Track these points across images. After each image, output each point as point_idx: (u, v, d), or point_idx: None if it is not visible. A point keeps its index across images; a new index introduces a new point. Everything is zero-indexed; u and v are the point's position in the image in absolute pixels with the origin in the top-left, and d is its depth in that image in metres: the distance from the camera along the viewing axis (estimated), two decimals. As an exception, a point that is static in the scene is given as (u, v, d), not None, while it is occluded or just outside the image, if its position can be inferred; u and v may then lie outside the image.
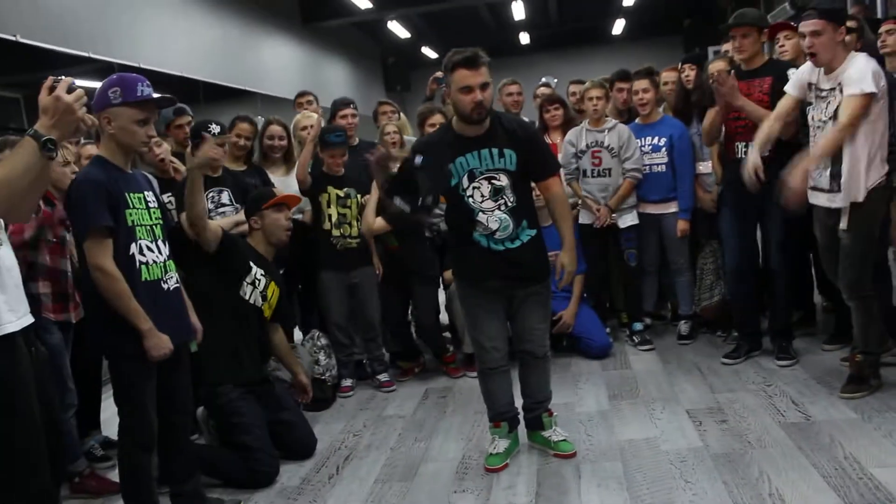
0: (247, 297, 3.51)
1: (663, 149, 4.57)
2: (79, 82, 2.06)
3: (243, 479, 3.28)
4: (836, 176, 3.40)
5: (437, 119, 4.64)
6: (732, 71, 3.91)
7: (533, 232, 3.09)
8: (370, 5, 11.23)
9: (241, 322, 3.51)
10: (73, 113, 2.00)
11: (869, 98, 3.26)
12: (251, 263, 3.54)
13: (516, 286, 3.14)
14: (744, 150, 3.97)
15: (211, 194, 3.79)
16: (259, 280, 3.54)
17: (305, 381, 3.81)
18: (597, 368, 4.41)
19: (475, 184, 3.00)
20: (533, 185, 3.19)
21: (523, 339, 3.26)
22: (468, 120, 2.95)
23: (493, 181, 3.00)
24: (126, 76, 2.67)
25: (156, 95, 2.67)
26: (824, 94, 3.43)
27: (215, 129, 3.76)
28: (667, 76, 5.03)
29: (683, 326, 4.76)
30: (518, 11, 13.21)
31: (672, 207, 4.62)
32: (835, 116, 3.36)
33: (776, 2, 10.03)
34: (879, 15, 7.80)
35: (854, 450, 2.97)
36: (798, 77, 3.57)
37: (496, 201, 3.00)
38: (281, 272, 3.95)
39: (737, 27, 3.93)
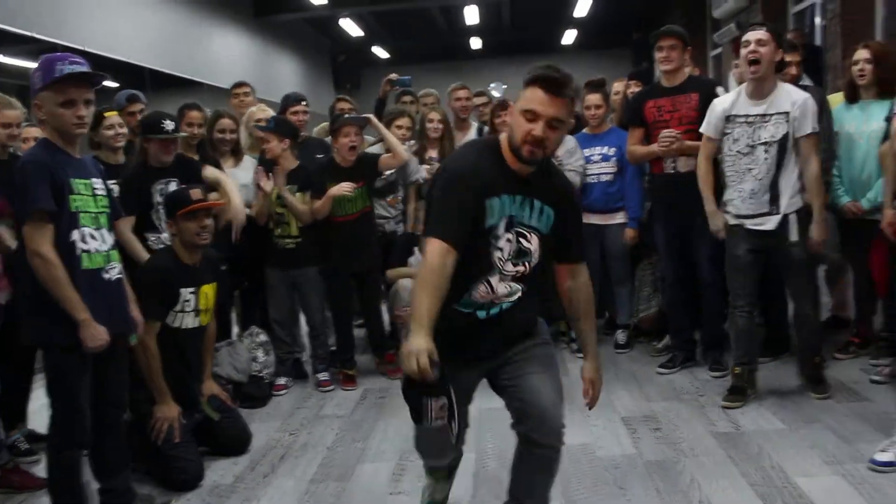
0: (178, 325, 3.36)
1: (613, 158, 4.64)
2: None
3: (165, 481, 3.21)
4: (775, 199, 3.56)
5: (405, 122, 4.63)
6: (679, 137, 4.00)
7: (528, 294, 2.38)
8: (324, 1, 11.16)
9: (179, 348, 3.38)
10: None
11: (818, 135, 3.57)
12: (179, 289, 3.34)
13: (502, 351, 2.39)
14: (673, 165, 4.09)
15: (159, 186, 3.71)
16: (189, 301, 3.38)
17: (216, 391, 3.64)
18: (536, 374, 4.44)
19: (509, 235, 2.27)
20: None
21: (526, 419, 2.30)
22: (516, 154, 2.22)
23: (520, 240, 2.29)
24: (49, 56, 2.56)
25: (78, 71, 2.53)
26: (752, 119, 3.56)
27: (169, 125, 3.67)
28: (617, 86, 5.16)
29: (621, 335, 4.84)
30: (471, 16, 13.28)
31: (616, 218, 4.69)
32: (783, 141, 3.50)
33: (723, 22, 10.28)
34: (818, 42, 8.07)
35: (780, 459, 3.06)
36: (712, 117, 3.70)
37: (515, 265, 2.30)
38: (224, 268, 3.87)
39: (666, 36, 4.03)
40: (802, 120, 3.48)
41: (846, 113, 3.99)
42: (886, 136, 3.57)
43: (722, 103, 3.66)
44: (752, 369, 3.80)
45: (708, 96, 3.98)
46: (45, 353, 2.69)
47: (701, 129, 3.78)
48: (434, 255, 2.10)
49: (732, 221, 3.69)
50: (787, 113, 3.50)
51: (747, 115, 3.56)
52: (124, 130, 3.80)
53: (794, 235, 3.57)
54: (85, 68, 2.58)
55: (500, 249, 2.26)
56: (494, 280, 2.27)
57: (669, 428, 3.50)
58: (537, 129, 2.14)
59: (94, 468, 2.88)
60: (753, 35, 3.49)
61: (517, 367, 2.34)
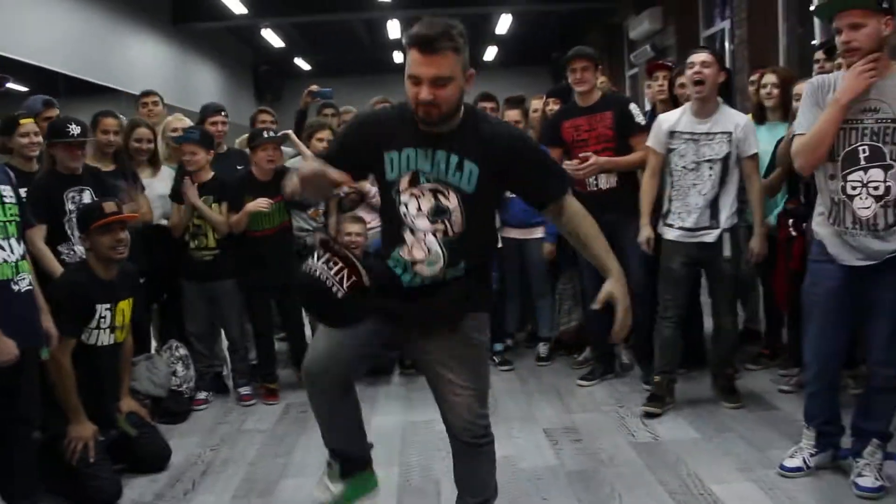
0: (93, 342, 3.25)
1: (530, 174, 4.71)
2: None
3: (80, 502, 3.10)
4: (715, 215, 3.72)
5: (326, 135, 4.58)
6: (591, 156, 4.05)
7: (464, 267, 2.27)
8: (244, 11, 11.03)
9: (94, 366, 3.27)
10: None
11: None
12: (95, 305, 3.22)
13: (419, 324, 2.33)
14: (595, 182, 4.17)
15: (71, 194, 3.59)
16: (104, 317, 3.26)
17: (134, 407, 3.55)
18: (459, 387, 4.47)
19: (415, 191, 2.20)
20: None
21: (446, 418, 2.39)
22: (417, 118, 2.16)
23: (438, 197, 2.20)
24: None
25: None
26: (697, 136, 3.70)
27: (75, 129, 3.56)
28: (535, 104, 5.25)
29: (542, 348, 4.91)
30: (393, 30, 13.33)
31: (536, 233, 4.76)
32: (726, 159, 3.65)
33: (639, 43, 10.61)
34: (728, 65, 8.40)
35: (696, 467, 3.17)
36: (657, 132, 3.83)
37: (433, 223, 2.21)
38: (142, 280, 3.80)
39: (578, 59, 4.13)
40: (746, 141, 3.66)
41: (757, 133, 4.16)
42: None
43: (668, 119, 3.80)
44: (671, 379, 3.92)
45: (622, 114, 4.10)
46: (-51, 367, 2.57)
47: (647, 143, 3.90)
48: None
49: (671, 235, 3.81)
50: (730, 133, 3.65)
51: (692, 133, 3.70)
52: (39, 139, 3.67)
53: (726, 251, 3.73)
54: None
55: (405, 205, 2.20)
56: (408, 237, 2.22)
57: (590, 439, 3.57)
58: (423, 91, 2.07)
59: (1, 490, 2.76)
60: (698, 57, 3.63)
61: (441, 366, 2.32)
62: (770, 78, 4.17)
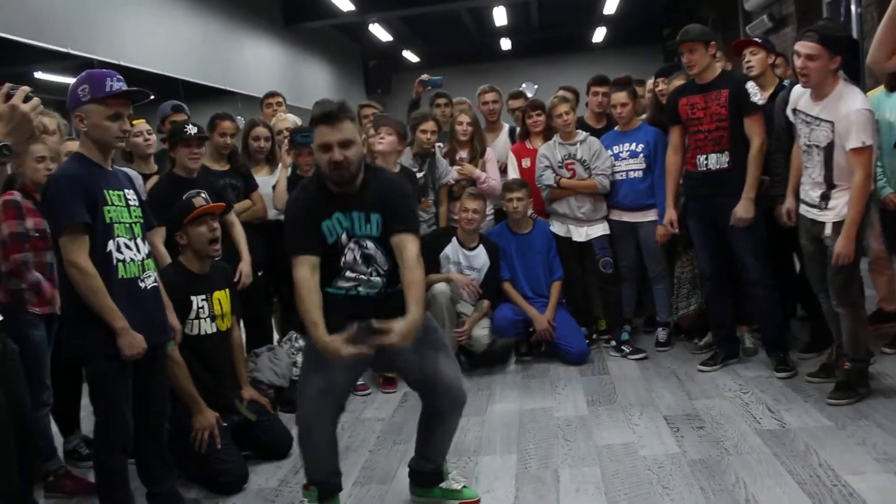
0: (196, 332, 3.40)
1: (641, 155, 4.60)
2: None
3: (211, 485, 3.25)
4: (826, 198, 3.49)
5: (430, 126, 4.63)
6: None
7: (399, 286, 2.69)
8: (352, 7, 11.24)
9: (203, 355, 3.42)
10: (29, 122, 2.08)
11: (871, 148, 3.33)
12: (190, 297, 3.38)
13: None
14: (704, 162, 4.04)
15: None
16: (202, 307, 3.42)
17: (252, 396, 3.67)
18: (575, 374, 4.43)
19: (351, 245, 2.71)
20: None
21: (437, 392, 2.81)
22: (330, 180, 2.64)
23: (363, 247, 2.71)
24: (94, 72, 2.66)
25: (126, 88, 2.64)
26: (809, 119, 3.49)
27: (192, 129, 3.71)
28: (649, 84, 5.11)
29: (661, 333, 4.79)
30: (500, 17, 13.28)
31: (649, 215, 4.65)
32: (829, 148, 3.41)
33: (755, 14, 10.14)
34: (854, 31, 7.92)
35: (828, 457, 3.01)
36: (788, 107, 3.66)
37: (368, 268, 2.72)
38: (259, 274, 3.92)
39: (683, 43, 3.99)
40: (847, 134, 3.33)
41: (887, 101, 3.89)
42: None
43: (795, 95, 3.61)
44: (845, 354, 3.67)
45: (737, 91, 3.92)
46: (87, 361, 2.75)
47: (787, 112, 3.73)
48: (296, 272, 2.61)
49: (801, 209, 3.68)
50: (832, 123, 3.39)
51: (807, 114, 3.51)
52: (153, 138, 3.84)
53: (828, 230, 3.49)
54: (125, 86, 2.66)
55: (345, 256, 2.70)
56: (350, 274, 2.72)
57: (713, 426, 3.45)
58: (335, 154, 2.56)
59: (140, 473, 2.94)
60: (802, 48, 3.37)
61: (411, 353, 2.69)
62: None
